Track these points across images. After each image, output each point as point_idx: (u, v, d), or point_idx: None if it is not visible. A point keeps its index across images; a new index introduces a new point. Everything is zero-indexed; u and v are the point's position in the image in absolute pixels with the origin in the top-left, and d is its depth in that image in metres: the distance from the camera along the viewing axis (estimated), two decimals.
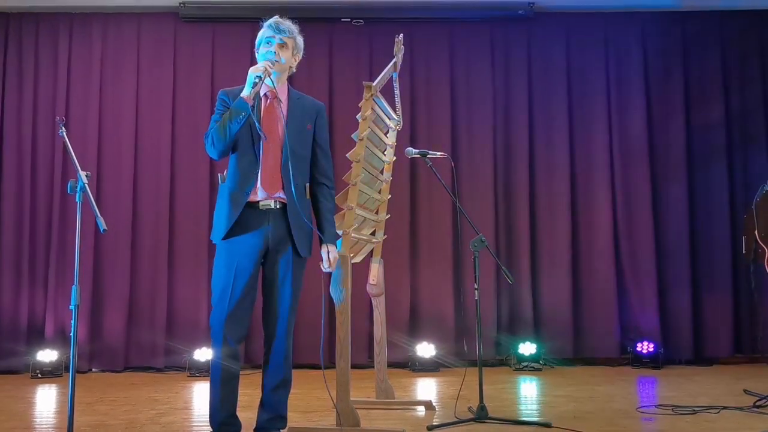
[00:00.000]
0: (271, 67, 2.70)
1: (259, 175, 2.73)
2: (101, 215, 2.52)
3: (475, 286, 3.44)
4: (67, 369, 5.06)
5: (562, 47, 5.73)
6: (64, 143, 2.70)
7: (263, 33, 2.84)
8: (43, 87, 5.55)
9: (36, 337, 5.27)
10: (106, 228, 2.48)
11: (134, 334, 5.36)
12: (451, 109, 5.66)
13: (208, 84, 5.54)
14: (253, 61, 5.87)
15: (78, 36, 5.60)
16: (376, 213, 3.81)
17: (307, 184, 2.85)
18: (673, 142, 5.64)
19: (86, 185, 2.53)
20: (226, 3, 5.55)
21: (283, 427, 2.86)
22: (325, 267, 2.83)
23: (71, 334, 2.44)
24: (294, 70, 2.94)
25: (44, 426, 3.51)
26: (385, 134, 3.81)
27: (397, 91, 3.88)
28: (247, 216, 2.71)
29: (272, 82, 2.73)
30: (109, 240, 5.37)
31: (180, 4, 5.52)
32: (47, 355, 5.05)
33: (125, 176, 5.48)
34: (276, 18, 2.85)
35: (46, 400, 4.28)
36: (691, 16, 5.74)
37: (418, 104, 5.66)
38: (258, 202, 2.73)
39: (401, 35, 3.84)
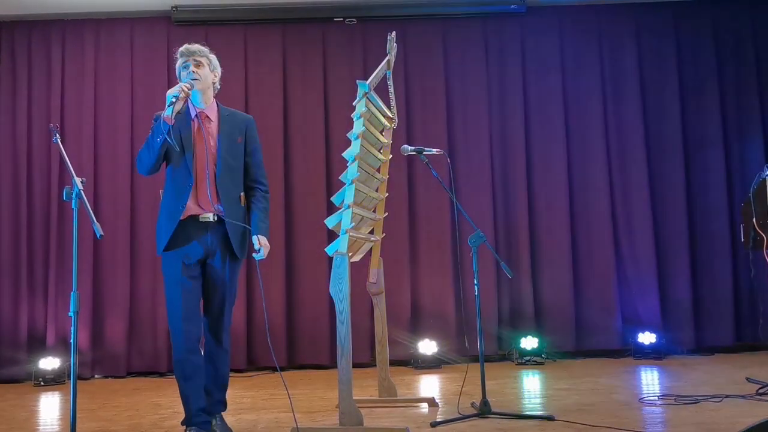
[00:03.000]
0: (188, 88, 2.93)
1: (192, 189, 2.98)
2: (99, 221, 2.52)
3: (475, 282, 3.44)
4: (69, 376, 5.06)
5: (555, 41, 5.73)
6: (59, 150, 2.70)
7: (178, 63, 3.09)
8: (37, 93, 5.55)
9: (37, 344, 5.26)
10: (102, 234, 2.48)
11: (136, 339, 5.36)
12: (447, 105, 5.66)
13: None
14: (246, 63, 5.91)
15: (71, 42, 5.59)
16: (374, 211, 3.81)
17: (242, 194, 3.10)
18: (670, 132, 5.64)
19: (81, 191, 2.52)
20: (218, 6, 5.54)
21: (224, 410, 3.20)
22: (258, 254, 3.01)
23: (71, 340, 2.44)
24: (218, 87, 3.17)
25: None
26: (381, 132, 3.81)
27: (391, 89, 3.88)
28: (188, 228, 2.98)
29: (197, 102, 3.04)
30: (109, 246, 5.37)
31: (172, 8, 5.52)
32: (49, 363, 5.04)
33: (122, 181, 5.48)
34: (185, 46, 3.08)
35: (49, 407, 4.27)
36: (683, 6, 5.74)
37: (413, 101, 5.67)
38: (198, 215, 2.99)
39: (393, 33, 3.84)
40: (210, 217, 2.99)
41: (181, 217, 2.96)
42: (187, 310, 2.98)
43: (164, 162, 3.03)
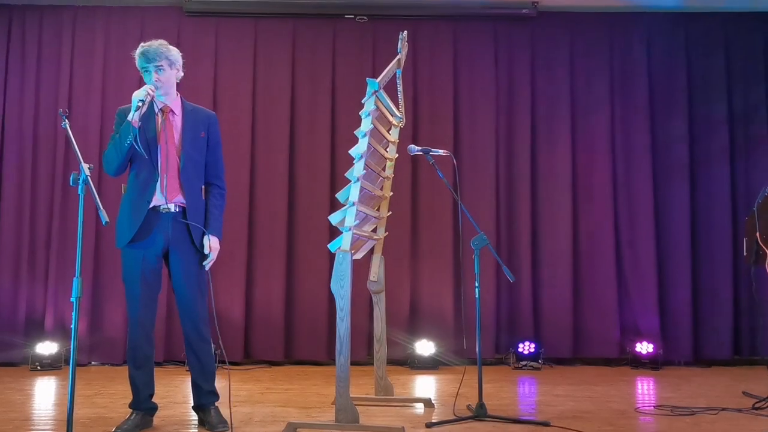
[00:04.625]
0: (153, 91, 3.00)
1: (158, 182, 3.03)
2: (103, 208, 2.52)
3: (476, 285, 3.44)
4: (66, 362, 5.06)
5: (565, 46, 5.72)
6: (67, 135, 2.70)
7: (138, 63, 3.11)
8: (46, 80, 5.54)
9: (35, 329, 5.25)
10: (108, 220, 2.48)
11: None
12: (454, 106, 5.65)
13: (210, 78, 5.54)
14: (255, 56, 5.91)
15: (81, 29, 5.58)
16: (378, 210, 3.81)
17: (203, 186, 3.20)
18: (676, 143, 5.63)
19: (89, 177, 2.53)
20: None
21: (217, 400, 3.21)
22: (207, 260, 3.10)
23: (72, 326, 2.45)
24: (182, 74, 3.22)
25: (43, 418, 3.51)
26: (388, 131, 3.81)
27: (400, 88, 3.88)
28: (149, 220, 3.03)
29: (162, 98, 3.10)
30: (109, 232, 5.35)
31: None
32: (47, 348, 5.04)
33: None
34: (142, 48, 3.09)
35: (45, 392, 4.27)
36: (695, 18, 5.73)
37: (421, 101, 5.66)
38: (159, 206, 3.04)
39: (405, 32, 3.83)
40: (172, 207, 3.05)
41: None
42: (146, 303, 3.07)
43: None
